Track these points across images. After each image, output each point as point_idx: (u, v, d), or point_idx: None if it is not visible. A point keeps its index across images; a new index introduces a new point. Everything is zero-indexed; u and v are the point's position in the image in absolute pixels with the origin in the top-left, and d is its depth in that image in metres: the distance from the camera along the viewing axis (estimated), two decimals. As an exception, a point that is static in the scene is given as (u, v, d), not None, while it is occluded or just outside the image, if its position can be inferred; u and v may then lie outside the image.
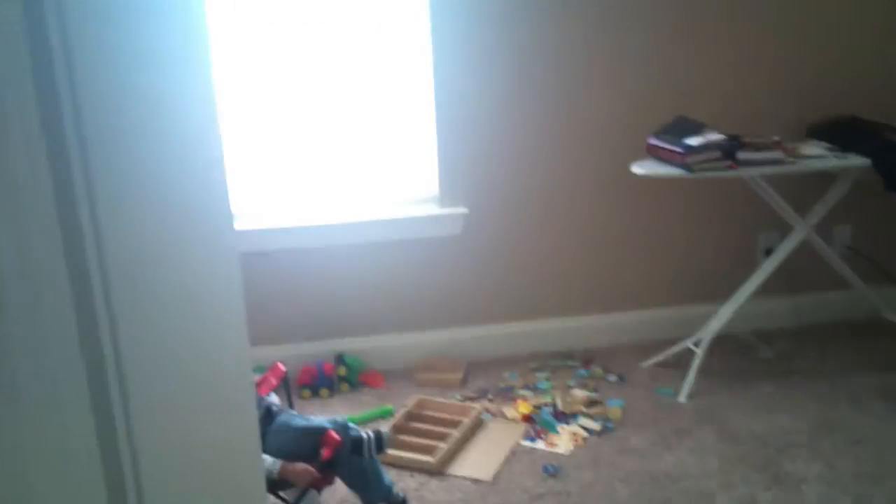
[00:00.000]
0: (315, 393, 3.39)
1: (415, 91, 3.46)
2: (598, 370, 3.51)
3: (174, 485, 0.78)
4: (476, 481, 2.75)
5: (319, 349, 3.52)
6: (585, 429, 3.05)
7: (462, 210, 3.55)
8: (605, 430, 3.04)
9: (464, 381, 3.46)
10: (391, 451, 2.81)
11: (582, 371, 3.50)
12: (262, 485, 1.02)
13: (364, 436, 2.36)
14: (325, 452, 2.25)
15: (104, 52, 0.66)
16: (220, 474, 0.89)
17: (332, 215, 3.51)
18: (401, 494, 2.59)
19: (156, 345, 0.75)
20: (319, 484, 2.33)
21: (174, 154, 0.80)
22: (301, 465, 2.25)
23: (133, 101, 0.70)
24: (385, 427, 2.99)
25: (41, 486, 0.64)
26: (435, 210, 3.56)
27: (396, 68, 3.44)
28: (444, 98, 3.43)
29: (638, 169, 3.18)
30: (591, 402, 3.22)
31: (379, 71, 3.43)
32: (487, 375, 3.51)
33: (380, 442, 2.37)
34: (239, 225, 3.43)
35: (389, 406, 3.25)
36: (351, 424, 2.42)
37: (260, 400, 2.43)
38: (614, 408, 3.18)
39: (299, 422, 2.39)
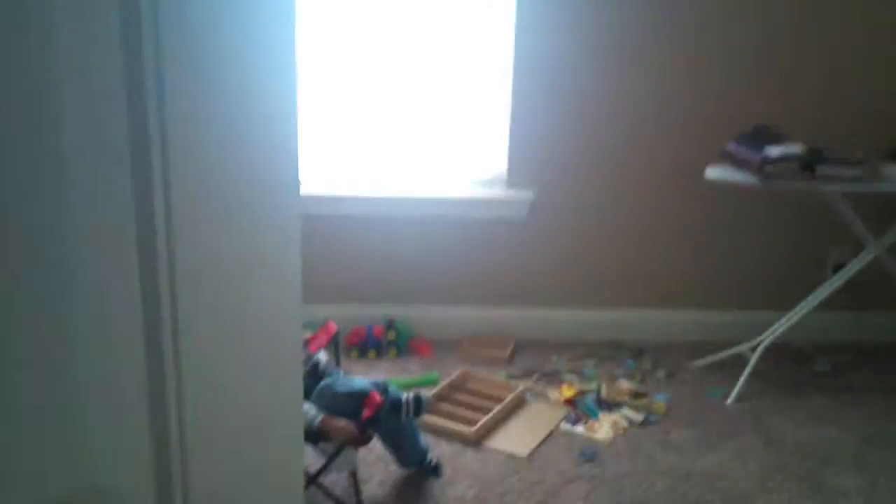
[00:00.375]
0: (363, 354, 3.44)
1: (492, 70, 3.46)
2: (646, 363, 3.48)
3: (217, 429, 0.80)
4: (511, 456, 2.76)
5: (372, 312, 3.57)
6: (627, 419, 3.03)
7: (528, 194, 3.54)
8: (647, 423, 3.02)
9: (510, 360, 3.47)
10: (431, 418, 2.85)
11: (630, 363, 3.48)
12: (301, 433, 1.04)
13: (403, 397, 2.38)
14: (365, 412, 2.28)
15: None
16: (263, 421, 0.91)
17: (400, 188, 3.55)
18: (434, 460, 2.62)
19: (211, 293, 0.76)
20: (357, 442, 2.36)
21: (249, 106, 0.81)
22: (342, 421, 2.28)
23: (214, 50, 0.71)
24: (429, 393, 3.03)
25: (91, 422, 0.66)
26: (501, 193, 3.57)
27: (476, 44, 3.44)
28: (522, 82, 3.42)
29: (712, 173, 3.14)
30: (636, 394, 3.20)
31: (457, 45, 3.44)
32: (535, 357, 3.51)
33: (419, 404, 2.39)
34: (309, 188, 3.48)
35: (435, 373, 3.28)
36: (391, 387, 2.44)
37: (309, 356, 2.47)
38: (659, 402, 3.15)
39: (343, 386, 2.41)
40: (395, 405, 2.36)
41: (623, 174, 3.56)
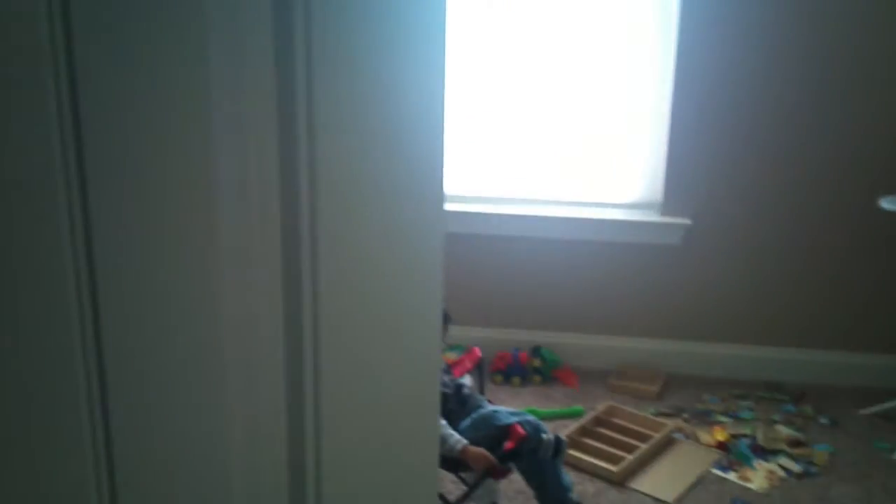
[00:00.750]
0: (507, 380, 3.39)
1: (651, 89, 3.35)
2: (808, 409, 3.26)
3: (351, 455, 0.78)
4: (657, 500, 2.65)
5: (517, 338, 3.52)
6: (784, 469, 2.85)
7: (685, 221, 3.40)
8: (806, 474, 2.82)
9: (660, 395, 3.34)
10: (574, 453, 2.77)
11: (790, 407, 3.27)
12: (435, 460, 1.01)
13: (544, 437, 2.32)
14: (507, 444, 2.25)
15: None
16: (398, 445, 0.89)
17: (548, 208, 3.49)
18: (576, 498, 2.54)
19: (351, 297, 0.75)
20: (497, 474, 2.33)
21: (400, 117, 0.79)
22: (481, 450, 2.25)
23: (366, 46, 0.70)
24: (573, 427, 2.95)
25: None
26: (656, 217, 3.44)
27: (634, 66, 3.34)
28: (681, 104, 3.29)
29: (889, 205, 2.91)
30: (795, 442, 3.00)
31: (614, 66, 3.35)
32: (686, 394, 3.36)
33: (559, 447, 2.33)
34: (456, 205, 3.48)
35: (580, 407, 3.19)
36: (535, 420, 2.38)
37: (451, 379, 2.46)
38: (821, 451, 2.95)
39: (496, 422, 2.38)
40: (535, 444, 2.30)
41: (786, 202, 3.36)
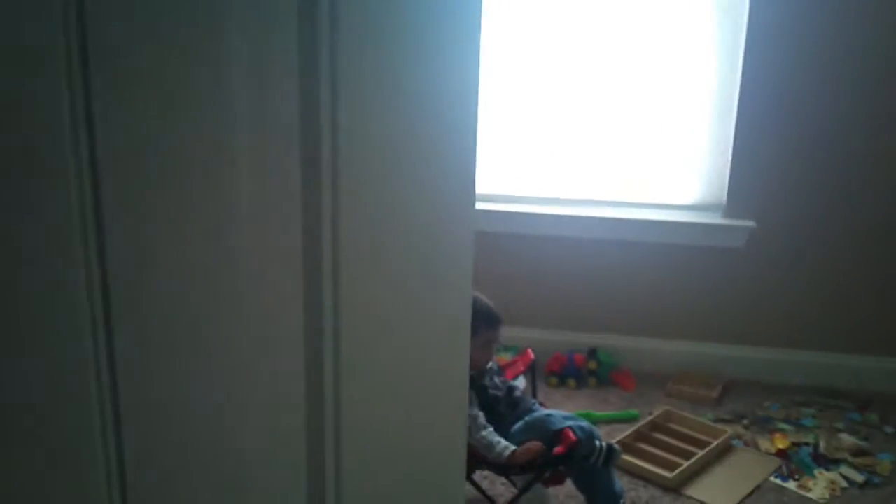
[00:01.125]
0: (562, 382, 3.37)
1: (714, 85, 3.29)
2: (873, 418, 3.16)
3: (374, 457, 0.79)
4: (713, 509, 2.60)
5: (574, 340, 3.50)
6: (847, 479, 2.77)
7: (749, 223, 3.33)
8: (868, 485, 2.74)
9: (719, 401, 3.27)
10: (628, 458, 2.74)
11: (854, 415, 3.18)
12: (462, 469, 1.01)
13: (597, 445, 2.30)
14: (557, 448, 2.23)
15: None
16: (423, 457, 0.89)
17: (609, 210, 3.45)
18: (628, 505, 2.52)
19: (376, 313, 0.75)
20: (551, 482, 2.31)
21: (429, 112, 0.79)
22: (528, 444, 2.24)
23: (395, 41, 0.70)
24: (628, 431, 2.92)
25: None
26: (719, 219, 3.38)
27: (696, 57, 3.29)
28: (751, 95, 3.21)
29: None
30: (858, 451, 2.92)
31: (679, 64, 3.30)
32: (746, 400, 3.29)
33: (610, 455, 2.30)
34: (514, 206, 3.48)
35: (635, 411, 3.15)
36: (591, 429, 2.35)
37: (503, 381, 2.45)
38: (885, 461, 2.86)
39: (550, 426, 2.35)
40: (587, 450, 2.28)
41: (856, 204, 3.26)
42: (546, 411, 2.40)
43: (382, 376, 0.77)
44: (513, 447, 2.23)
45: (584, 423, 2.34)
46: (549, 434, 2.28)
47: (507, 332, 3.44)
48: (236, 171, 0.59)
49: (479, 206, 3.54)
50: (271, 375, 0.64)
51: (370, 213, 0.70)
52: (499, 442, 2.24)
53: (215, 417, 0.64)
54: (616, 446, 2.36)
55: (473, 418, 2.26)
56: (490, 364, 2.42)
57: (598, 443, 2.29)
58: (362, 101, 0.66)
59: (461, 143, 0.88)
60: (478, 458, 2.29)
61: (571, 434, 2.25)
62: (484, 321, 2.33)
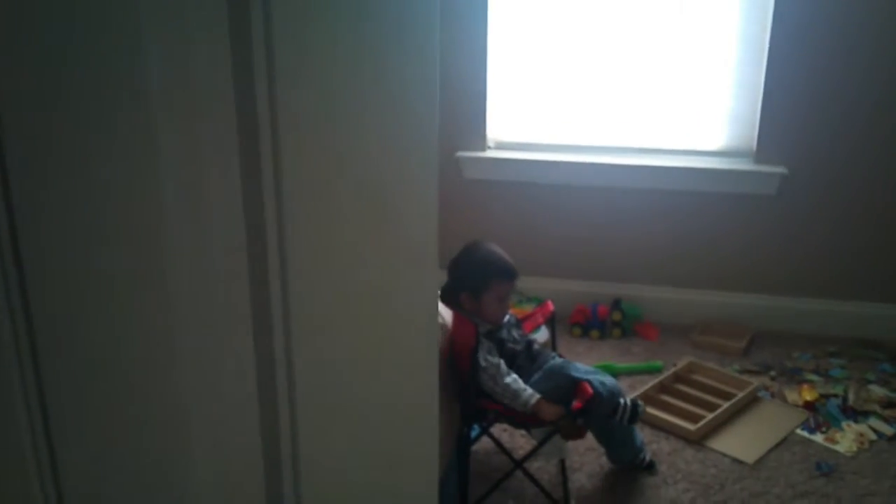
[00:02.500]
0: (585, 333, 3.33)
1: (743, 29, 3.17)
2: (906, 368, 3.09)
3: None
4: (736, 461, 2.55)
5: (598, 290, 3.44)
6: (875, 431, 2.71)
7: (781, 170, 3.23)
8: (898, 438, 2.68)
9: (746, 352, 3.21)
10: (651, 410, 2.70)
11: (886, 366, 3.10)
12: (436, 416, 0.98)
13: (621, 402, 2.25)
14: (575, 403, 2.19)
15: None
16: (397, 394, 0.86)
17: (635, 157, 3.36)
18: (648, 457, 2.48)
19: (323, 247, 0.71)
20: (571, 435, 2.28)
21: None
22: (554, 406, 2.20)
23: None
24: (651, 383, 2.88)
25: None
26: (749, 166, 3.28)
27: (730, 9, 3.17)
28: (781, 40, 3.09)
29: None
30: (888, 403, 2.85)
31: (707, 8, 3.18)
32: (774, 351, 3.23)
33: (634, 413, 2.26)
34: (536, 155, 3.41)
35: (659, 362, 3.10)
36: (614, 385, 2.30)
37: (521, 335, 2.41)
38: (917, 414, 2.79)
39: (570, 372, 2.31)
40: (612, 408, 2.23)
41: (890, 147, 3.14)
42: (566, 360, 2.36)
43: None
44: (538, 395, 2.20)
45: (608, 379, 2.29)
46: (569, 381, 2.23)
47: (530, 283, 3.42)
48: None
49: (498, 154, 3.49)
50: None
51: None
52: (525, 389, 2.20)
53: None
54: (640, 403, 2.31)
55: (496, 366, 2.22)
56: (507, 317, 2.37)
57: (622, 400, 2.25)
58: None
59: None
60: (498, 410, 2.25)
61: (588, 388, 2.20)
62: (496, 274, 2.28)
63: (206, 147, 0.54)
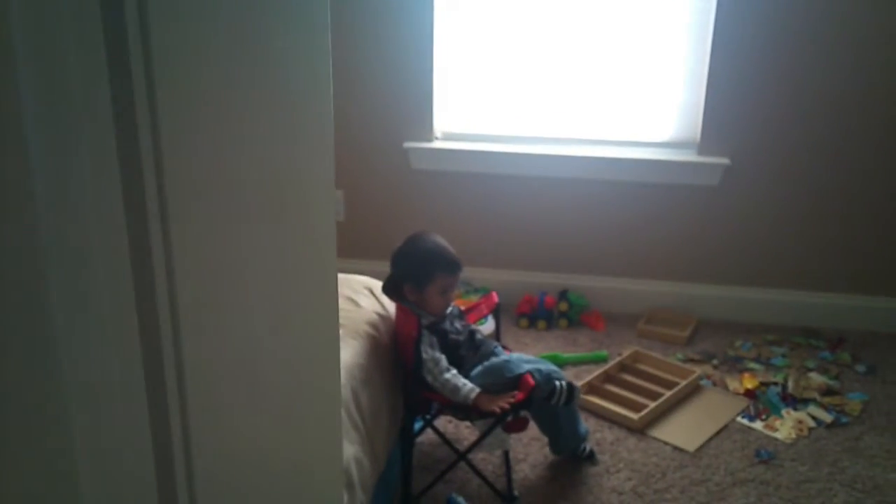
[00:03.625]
0: (532, 324, 3.34)
1: (688, 23, 3.20)
2: (845, 356, 3.15)
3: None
4: (677, 449, 2.59)
5: (545, 281, 3.46)
6: (814, 418, 2.76)
7: (724, 161, 3.27)
8: (836, 424, 2.73)
9: (689, 341, 3.25)
10: (594, 400, 2.73)
11: (826, 354, 3.16)
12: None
13: (557, 385, 2.26)
14: (518, 395, 2.20)
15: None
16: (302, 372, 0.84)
17: (579, 148, 3.37)
18: (588, 447, 2.50)
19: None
20: (514, 427, 2.28)
21: None
22: (493, 401, 2.20)
23: None
24: (596, 373, 2.90)
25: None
26: (693, 157, 3.31)
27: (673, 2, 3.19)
28: (725, 34, 3.12)
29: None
30: (828, 390, 2.91)
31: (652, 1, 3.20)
32: (717, 339, 3.27)
33: (571, 394, 2.27)
34: (481, 146, 3.40)
35: (604, 352, 3.13)
36: (550, 369, 2.32)
37: (464, 325, 2.41)
38: (854, 401, 2.85)
39: (507, 374, 2.31)
40: (549, 391, 2.25)
41: (830, 143, 3.20)
42: (505, 356, 2.36)
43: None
44: (478, 389, 2.20)
45: (543, 365, 2.31)
46: (507, 380, 2.24)
47: (477, 274, 3.42)
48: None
49: (446, 144, 3.48)
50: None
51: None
52: (465, 384, 2.20)
53: None
54: (576, 384, 2.33)
55: (436, 361, 2.22)
56: (450, 308, 2.37)
57: (557, 383, 2.26)
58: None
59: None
60: (441, 402, 2.26)
61: (530, 379, 2.22)
62: (439, 267, 2.27)
63: (81, 142, 0.52)
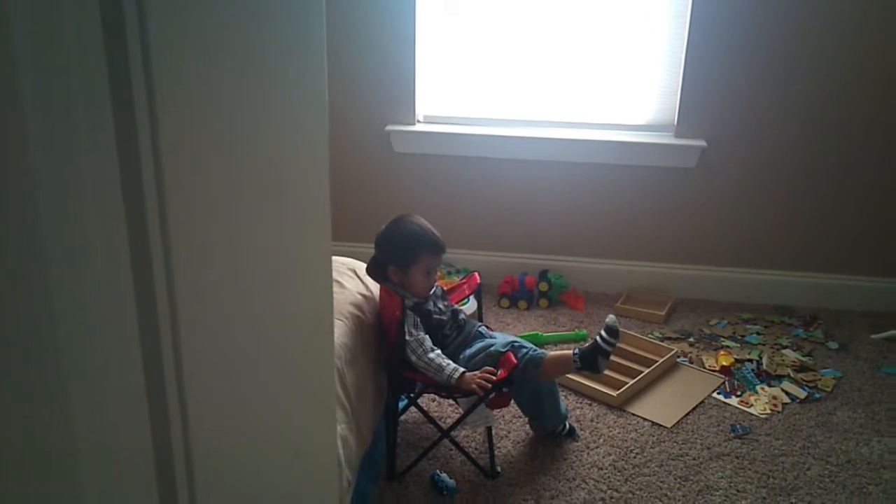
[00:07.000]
0: (513, 304, 3.39)
1: (666, 7, 3.24)
2: (818, 334, 3.23)
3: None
4: (655, 425, 2.65)
5: (526, 262, 3.51)
6: (788, 394, 2.83)
7: (700, 143, 3.32)
8: (809, 399, 2.81)
9: (666, 319, 3.32)
10: (573, 378, 2.78)
11: (799, 332, 3.24)
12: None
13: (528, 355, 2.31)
14: (500, 373, 2.25)
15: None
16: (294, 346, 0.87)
17: (559, 130, 3.42)
18: (569, 426, 2.56)
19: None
20: (496, 403, 2.33)
21: None
22: (476, 379, 2.25)
23: None
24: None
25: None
26: (670, 139, 3.36)
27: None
28: (701, 17, 3.16)
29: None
30: (801, 367, 2.98)
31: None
32: (693, 318, 3.34)
33: (536, 361, 2.31)
34: (463, 128, 3.43)
35: (584, 331, 3.18)
36: (522, 343, 2.37)
37: (447, 305, 2.45)
38: (827, 377, 2.92)
39: (494, 356, 2.35)
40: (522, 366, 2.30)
41: (804, 125, 3.26)
42: (489, 340, 2.40)
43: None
44: (462, 369, 2.25)
45: (517, 340, 2.36)
46: (493, 362, 2.29)
47: (459, 255, 3.47)
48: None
49: (428, 128, 3.52)
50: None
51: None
52: (448, 364, 2.25)
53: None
54: (539, 354, 2.35)
55: (420, 342, 2.26)
56: (434, 289, 2.42)
57: (525, 350, 2.31)
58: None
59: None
60: (425, 381, 2.30)
61: (512, 357, 2.27)
62: (423, 248, 2.31)
63: (80, 132, 0.54)
